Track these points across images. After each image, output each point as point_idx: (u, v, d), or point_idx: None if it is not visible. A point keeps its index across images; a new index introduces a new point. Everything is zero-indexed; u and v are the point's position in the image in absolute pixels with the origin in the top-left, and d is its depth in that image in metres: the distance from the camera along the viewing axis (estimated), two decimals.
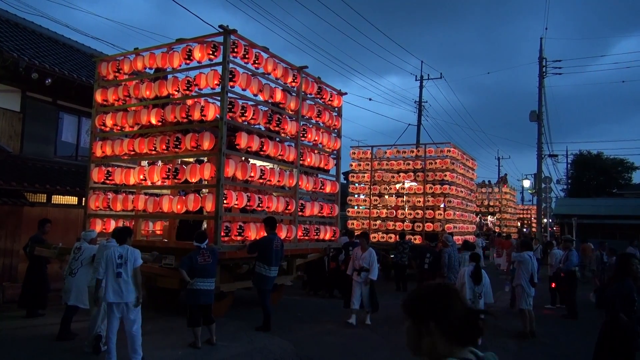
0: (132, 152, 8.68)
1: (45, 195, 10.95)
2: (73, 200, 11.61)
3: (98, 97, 9.23)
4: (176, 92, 8.35)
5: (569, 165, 44.21)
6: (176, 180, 8.12)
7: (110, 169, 8.97)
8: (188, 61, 8.22)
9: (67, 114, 12.79)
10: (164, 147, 8.19)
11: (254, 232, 8.24)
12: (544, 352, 7.48)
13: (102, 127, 9.17)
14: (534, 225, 37.31)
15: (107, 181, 8.93)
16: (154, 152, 8.38)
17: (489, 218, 27.84)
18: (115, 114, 8.96)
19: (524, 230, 35.24)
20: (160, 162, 8.79)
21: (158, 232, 10.15)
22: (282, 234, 8.67)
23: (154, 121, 8.40)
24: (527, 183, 27.52)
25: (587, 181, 42.05)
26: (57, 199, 11.28)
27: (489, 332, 6.94)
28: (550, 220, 20.84)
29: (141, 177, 8.46)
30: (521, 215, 36.92)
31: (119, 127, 9.00)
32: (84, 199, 9.88)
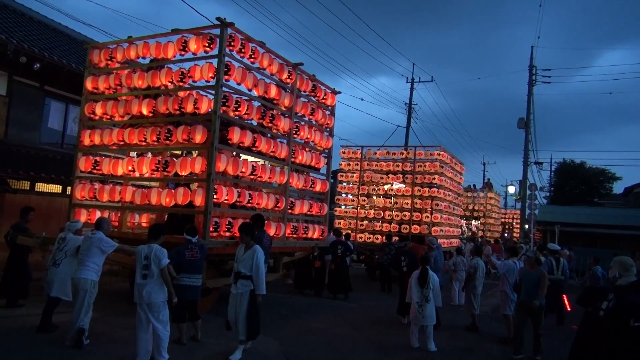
0: (122, 143, 8.51)
1: (28, 182, 10.75)
2: (57, 188, 11.41)
3: (88, 85, 9.04)
4: (169, 83, 8.21)
5: (552, 173, 44.91)
6: (166, 173, 7.99)
7: (98, 158, 8.80)
8: (183, 52, 8.09)
9: (55, 101, 12.56)
10: (154, 138, 8.04)
11: None
12: (528, 357, 7.53)
13: (91, 116, 8.98)
14: (515, 230, 37.82)
15: (94, 171, 8.76)
16: (144, 143, 8.23)
17: (473, 222, 28.03)
18: (106, 102, 8.78)
19: (505, 235, 35.60)
20: (150, 153, 8.65)
21: (144, 225, 9.98)
22: (271, 231, 8.59)
23: (145, 112, 8.25)
24: (512, 189, 27.80)
25: (569, 189, 42.70)
26: (41, 186, 11.08)
27: (474, 337, 6.99)
28: (532, 227, 21.06)
29: (130, 168, 8.31)
30: (504, 220, 37.30)
31: (108, 116, 8.82)
32: (69, 188, 9.70)
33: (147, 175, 8.24)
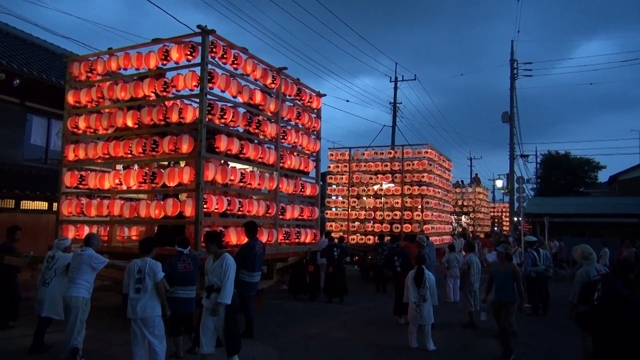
0: (107, 156, 8.38)
1: (13, 200, 10.54)
2: (43, 205, 11.21)
3: (70, 99, 8.89)
4: (152, 94, 8.11)
5: (537, 165, 45.36)
6: (154, 185, 7.88)
7: (83, 173, 8.65)
8: (165, 62, 7.99)
9: (36, 116, 12.36)
10: (140, 150, 7.93)
11: (235, 237, 8.06)
12: (528, 352, 7.53)
13: (75, 130, 8.83)
14: (504, 223, 38.13)
15: (81, 186, 8.61)
16: (129, 156, 8.11)
17: (463, 218, 28.20)
18: (89, 116, 8.65)
19: (495, 229, 35.88)
20: (136, 165, 8.53)
21: (134, 238, 9.86)
22: (263, 238, 8.52)
23: (129, 123, 8.14)
24: (499, 183, 28.02)
25: (555, 180, 43.10)
26: (27, 204, 10.87)
27: (472, 334, 6.96)
28: (520, 219, 21.22)
29: (117, 181, 8.18)
30: (493, 214, 37.61)
31: (92, 130, 8.69)
32: (55, 204, 9.52)
33: (134, 187, 8.13)
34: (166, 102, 8.29)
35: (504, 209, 39.09)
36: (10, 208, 10.48)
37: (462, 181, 31.89)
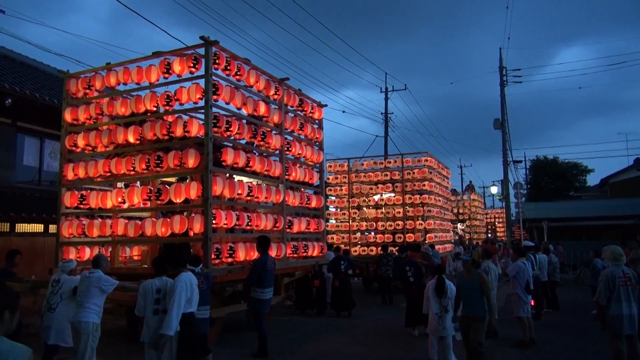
0: (108, 174, 8.10)
1: (8, 224, 10.16)
2: (39, 227, 10.84)
3: (67, 116, 8.61)
4: (154, 108, 7.88)
5: (527, 171, 45.67)
6: (159, 202, 7.61)
7: (84, 192, 8.35)
8: (167, 75, 7.77)
9: (28, 136, 12.03)
10: (143, 166, 7.67)
11: (244, 253, 7.80)
12: (549, 359, 7.36)
13: (73, 148, 8.54)
14: (498, 229, 38.20)
15: (81, 205, 8.30)
16: (132, 173, 7.84)
17: (459, 225, 28.15)
18: (88, 133, 8.37)
19: (489, 235, 35.90)
20: (138, 182, 8.26)
21: (135, 258, 9.53)
22: (272, 253, 8.26)
23: (131, 139, 7.88)
24: (494, 189, 28.06)
25: (545, 185, 43.40)
26: (22, 227, 10.49)
27: (491, 344, 6.72)
28: (521, 225, 21.22)
29: (119, 199, 7.89)
30: (489, 221, 37.67)
31: (91, 148, 8.41)
32: (52, 226, 9.21)
33: (139, 205, 7.84)
34: (168, 117, 8.08)
35: (496, 215, 39.20)
36: (5, 232, 10.10)
37: (454, 189, 31.94)
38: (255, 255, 7.83)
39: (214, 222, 7.21)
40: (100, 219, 8.24)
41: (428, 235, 15.11)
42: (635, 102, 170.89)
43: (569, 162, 42.76)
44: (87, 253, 8.35)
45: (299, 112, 10.04)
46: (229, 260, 7.61)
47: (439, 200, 16.43)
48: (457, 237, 25.57)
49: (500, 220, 36.99)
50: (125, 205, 7.98)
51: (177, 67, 7.69)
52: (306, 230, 9.85)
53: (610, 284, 5.59)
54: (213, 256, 7.15)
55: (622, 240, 16.68)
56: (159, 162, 7.55)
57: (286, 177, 9.18)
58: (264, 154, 8.58)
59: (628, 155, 59.15)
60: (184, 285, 4.88)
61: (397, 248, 14.02)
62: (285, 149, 9.25)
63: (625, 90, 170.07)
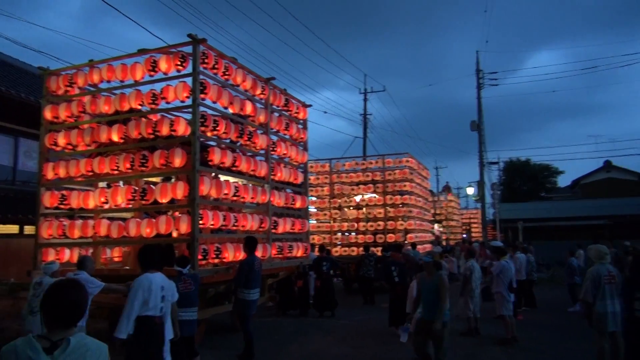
0: (90, 173, 7.91)
1: None
2: (14, 229, 10.51)
3: (47, 114, 8.37)
4: (140, 106, 7.74)
5: (500, 172, 46.58)
6: (144, 202, 7.47)
7: (65, 192, 8.13)
8: (153, 73, 7.64)
9: (3, 135, 11.64)
10: (128, 166, 7.52)
11: (232, 253, 7.73)
12: (532, 357, 7.51)
13: (53, 147, 8.31)
14: (474, 230, 38.81)
15: (62, 206, 8.08)
16: (116, 172, 7.67)
17: (436, 226, 28.47)
18: (69, 131, 8.15)
19: (464, 236, 36.44)
20: (121, 182, 8.09)
21: (117, 259, 9.33)
22: (258, 253, 8.21)
23: (115, 138, 7.72)
24: (470, 190, 28.50)
25: (517, 187, 44.31)
26: None
27: (473, 342, 6.81)
28: (498, 225, 21.64)
29: (102, 199, 7.71)
30: (464, 221, 38.24)
31: (72, 147, 8.20)
32: (27, 227, 8.93)
33: (123, 205, 7.69)
34: (154, 115, 7.95)
35: (471, 216, 39.81)
36: None
37: (430, 190, 32.30)
38: (241, 255, 7.77)
39: (201, 222, 7.13)
40: (81, 220, 8.04)
41: (409, 235, 15.25)
42: (605, 105, 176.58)
43: (540, 164, 43.82)
44: (67, 255, 8.13)
45: (284, 112, 10.01)
46: (216, 261, 7.53)
47: (419, 201, 16.60)
48: (434, 238, 25.88)
49: (476, 220, 37.58)
50: (108, 206, 7.81)
51: (163, 65, 7.57)
52: (291, 230, 9.82)
53: (596, 282, 5.75)
54: (200, 257, 7.07)
55: (594, 239, 17.22)
56: (144, 161, 7.41)
57: (271, 177, 9.14)
58: (250, 154, 8.52)
59: (598, 157, 60.93)
60: (139, 287, 4.53)
61: (379, 248, 14.13)
62: (271, 148, 9.21)
63: (596, 94, 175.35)
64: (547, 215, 25.08)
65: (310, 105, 10.97)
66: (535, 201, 34.67)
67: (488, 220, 26.70)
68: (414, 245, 12.91)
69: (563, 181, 45.55)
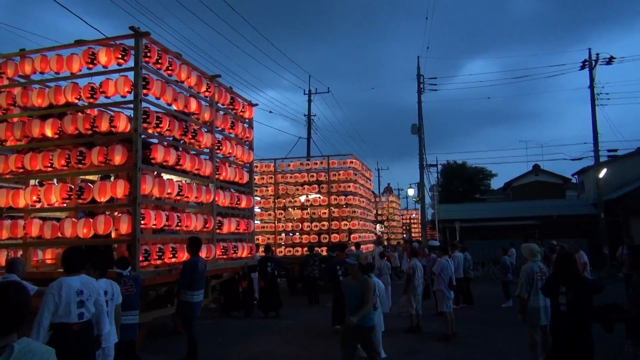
0: (21, 170, 7.42)
1: None
2: None
3: None
4: (77, 100, 7.35)
5: (438, 175, 48.22)
6: (80, 201, 7.10)
7: None
8: (91, 65, 7.28)
9: None
10: (63, 162, 7.12)
11: (173, 255, 7.50)
12: (470, 351, 7.80)
13: None
14: (413, 230, 39.95)
15: None
16: (50, 169, 7.25)
17: (377, 226, 29.04)
18: None
19: (404, 235, 37.44)
20: (55, 180, 7.64)
21: (49, 262, 8.79)
22: (202, 254, 8.02)
23: (49, 133, 7.28)
24: (411, 191, 29.30)
25: (454, 189, 46.06)
26: None
27: (415, 338, 6.97)
28: (437, 226, 22.38)
29: (34, 198, 7.25)
30: (405, 221, 39.25)
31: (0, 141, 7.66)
32: None
33: (57, 204, 7.26)
34: (90, 110, 7.57)
35: (412, 216, 40.98)
36: None
37: (373, 192, 32.94)
38: (185, 256, 7.56)
39: (142, 222, 6.87)
40: (10, 220, 7.52)
41: (352, 235, 15.43)
42: (534, 112, 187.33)
43: (476, 166, 45.77)
44: None
45: (229, 111, 9.84)
46: (158, 262, 7.28)
47: (363, 202, 16.85)
48: (376, 238, 26.39)
49: (416, 221, 38.68)
50: (40, 205, 7.36)
51: (103, 58, 7.23)
52: (236, 230, 9.66)
53: (530, 279, 6.06)
54: (142, 258, 6.81)
55: (525, 239, 18.23)
56: (81, 158, 7.05)
57: (216, 176, 8.96)
58: (194, 152, 8.31)
59: (528, 161, 64.44)
60: (49, 292, 4.22)
61: (324, 248, 14.20)
62: (216, 147, 9.03)
63: (526, 101, 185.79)
64: (481, 216, 26.23)
65: (256, 105, 10.87)
66: (470, 202, 36.13)
67: (427, 221, 27.59)
68: (357, 245, 13.07)
69: (496, 183, 47.83)
